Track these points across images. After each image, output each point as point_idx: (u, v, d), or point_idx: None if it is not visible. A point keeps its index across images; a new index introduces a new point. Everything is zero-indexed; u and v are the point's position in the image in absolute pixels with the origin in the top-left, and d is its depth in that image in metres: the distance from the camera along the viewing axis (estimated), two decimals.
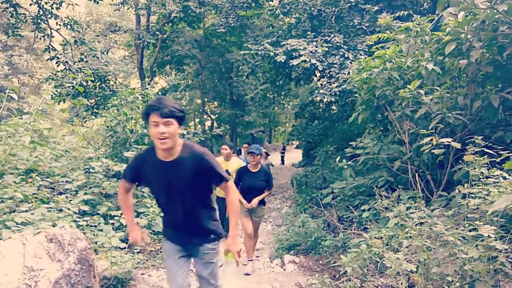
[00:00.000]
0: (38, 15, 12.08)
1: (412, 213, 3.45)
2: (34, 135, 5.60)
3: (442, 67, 4.60)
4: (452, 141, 3.85)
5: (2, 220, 3.56)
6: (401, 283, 3.07)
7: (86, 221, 4.41)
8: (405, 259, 3.06)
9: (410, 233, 3.18)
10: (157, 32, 15.50)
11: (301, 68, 10.01)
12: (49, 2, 11.94)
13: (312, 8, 11.11)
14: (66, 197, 4.68)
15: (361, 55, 9.13)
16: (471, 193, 3.22)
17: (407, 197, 4.37)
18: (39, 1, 11.71)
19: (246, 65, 13.02)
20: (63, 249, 3.05)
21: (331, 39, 9.99)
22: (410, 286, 3.23)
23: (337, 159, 5.67)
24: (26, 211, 3.98)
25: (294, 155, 23.65)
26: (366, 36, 7.94)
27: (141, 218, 5.15)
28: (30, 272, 2.88)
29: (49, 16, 12.07)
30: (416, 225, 3.28)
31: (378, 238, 3.63)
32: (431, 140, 3.96)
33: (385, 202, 3.99)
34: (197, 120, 24.89)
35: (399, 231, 3.47)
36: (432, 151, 3.98)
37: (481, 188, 3.13)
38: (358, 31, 10.43)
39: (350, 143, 5.93)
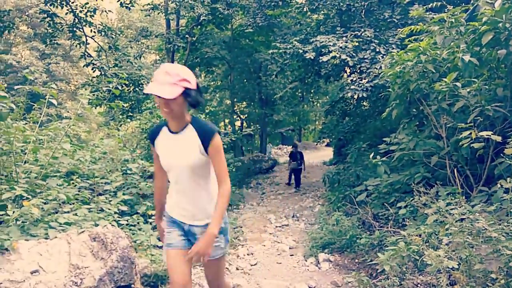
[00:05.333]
0: (74, 23, 12.56)
1: (452, 209, 3.35)
2: (73, 139, 5.84)
3: (479, 58, 4.44)
4: (492, 134, 3.72)
5: (47, 221, 3.73)
6: (442, 281, 2.99)
7: (127, 220, 4.56)
8: (445, 256, 2.98)
9: (451, 229, 3.09)
10: (187, 36, 15.73)
11: (331, 65, 9.90)
12: (83, 11, 12.40)
13: (341, 3, 10.96)
14: (106, 197, 4.85)
15: (393, 48, 8.93)
16: None
17: (446, 193, 4.25)
18: (75, 10, 12.18)
19: (275, 64, 13.00)
20: (106, 247, 3.18)
21: (361, 34, 9.82)
22: (451, 283, 3.14)
23: (371, 156, 5.59)
24: (69, 212, 4.15)
25: (325, 152, 23.46)
26: (398, 29, 7.77)
27: None
28: (75, 269, 3.01)
29: (84, 24, 12.53)
30: (456, 221, 3.19)
31: (417, 236, 3.55)
32: (470, 133, 3.84)
33: (423, 198, 3.90)
34: (227, 120, 25.11)
35: (439, 228, 3.39)
36: (471, 145, 3.86)
37: None
38: (389, 24, 10.21)
39: (384, 139, 5.82)
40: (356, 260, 5.21)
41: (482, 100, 4.29)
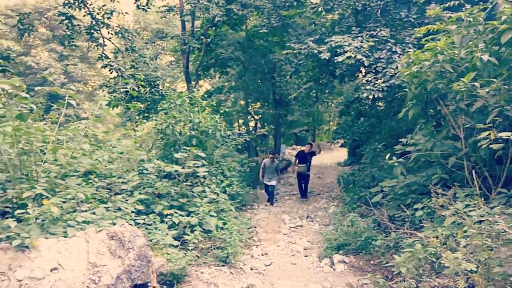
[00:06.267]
0: (91, 25, 12.77)
1: (471, 211, 3.30)
2: (91, 139, 5.93)
3: (498, 57, 4.37)
4: (511, 135, 3.65)
5: (66, 219, 3.81)
6: (460, 284, 2.95)
7: (143, 219, 4.62)
8: (464, 258, 2.94)
9: (469, 231, 3.04)
10: (202, 37, 15.83)
11: (346, 65, 9.81)
12: (100, 13, 12.59)
13: (356, 3, 10.87)
14: (123, 197, 4.92)
15: (409, 48, 8.81)
16: None
17: (464, 194, 4.19)
18: (92, 12, 12.38)
19: (289, 64, 12.96)
20: (123, 246, 3.22)
21: (377, 34, 9.71)
22: (469, 286, 3.10)
23: (387, 157, 5.53)
24: (87, 210, 4.23)
25: (340, 153, 23.29)
26: (414, 29, 7.67)
27: (191, 217, 5.31)
28: (94, 267, 3.07)
29: (101, 26, 12.72)
30: (475, 223, 3.14)
31: (434, 237, 3.50)
32: (489, 134, 3.78)
33: (441, 200, 3.85)
34: (241, 121, 25.16)
35: (457, 230, 3.34)
36: (490, 146, 3.80)
37: None
38: (405, 23, 10.08)
39: (400, 140, 5.76)
40: (372, 262, 5.17)
41: (501, 100, 4.21)
